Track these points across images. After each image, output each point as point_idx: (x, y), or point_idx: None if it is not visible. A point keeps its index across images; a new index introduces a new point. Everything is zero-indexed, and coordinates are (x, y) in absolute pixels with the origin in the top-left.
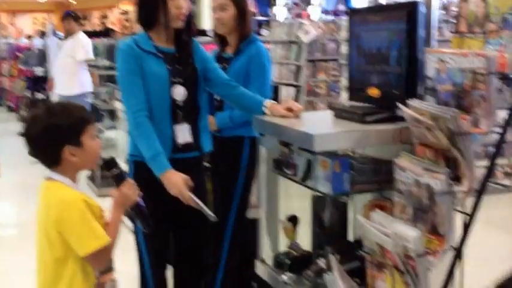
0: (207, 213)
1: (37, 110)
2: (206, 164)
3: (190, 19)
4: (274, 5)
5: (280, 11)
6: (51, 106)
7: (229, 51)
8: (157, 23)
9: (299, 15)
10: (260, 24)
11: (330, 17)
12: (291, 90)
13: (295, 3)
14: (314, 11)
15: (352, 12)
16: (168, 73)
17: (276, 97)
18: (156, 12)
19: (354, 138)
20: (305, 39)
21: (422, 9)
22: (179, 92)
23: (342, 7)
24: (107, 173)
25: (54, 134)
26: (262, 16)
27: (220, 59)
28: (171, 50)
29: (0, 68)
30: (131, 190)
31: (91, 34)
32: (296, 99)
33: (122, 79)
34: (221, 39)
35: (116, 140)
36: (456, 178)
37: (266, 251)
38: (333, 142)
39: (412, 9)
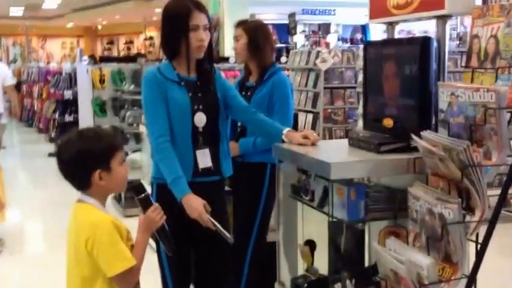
0: (225, 236)
1: (70, 134)
2: (228, 188)
3: (212, 49)
4: (295, 33)
5: (299, 39)
6: (83, 131)
7: (252, 80)
8: (180, 54)
9: (317, 43)
10: (280, 51)
11: (347, 45)
12: (309, 117)
13: (314, 32)
14: (332, 39)
15: (368, 45)
16: (189, 101)
17: (295, 124)
18: (179, 44)
19: (369, 167)
20: (323, 67)
21: (434, 44)
22: (200, 119)
23: (359, 35)
24: (135, 197)
25: (85, 159)
26: (283, 44)
27: (243, 87)
28: (193, 79)
29: (31, 90)
30: (157, 214)
31: (118, 59)
32: (314, 125)
33: (146, 106)
34: (246, 68)
35: (140, 162)
36: (469, 208)
37: (285, 274)
38: (349, 170)
39: (424, 43)
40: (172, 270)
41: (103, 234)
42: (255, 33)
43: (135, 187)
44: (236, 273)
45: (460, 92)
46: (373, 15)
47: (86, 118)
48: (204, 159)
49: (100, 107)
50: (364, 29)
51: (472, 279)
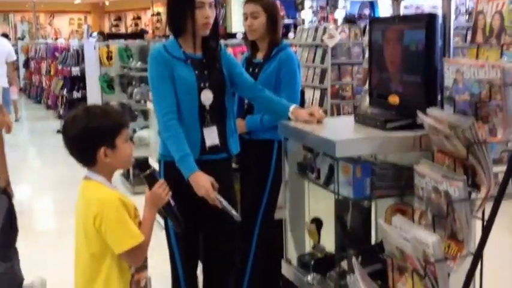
0: (231, 214)
1: (76, 110)
2: (235, 166)
3: (217, 26)
4: (302, 9)
5: (307, 15)
6: (90, 108)
7: (259, 57)
8: (186, 31)
9: (325, 19)
10: (287, 27)
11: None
12: (317, 93)
13: (321, 7)
14: (340, 15)
15: (373, 22)
16: (195, 78)
17: (302, 101)
18: (184, 22)
19: (375, 144)
20: (330, 43)
21: (439, 20)
22: (207, 97)
23: (367, 11)
24: (140, 174)
25: (91, 136)
26: (290, 19)
27: (250, 64)
28: (199, 56)
29: (39, 67)
30: (163, 190)
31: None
32: (321, 101)
33: (153, 84)
34: (252, 45)
35: (148, 139)
36: (475, 185)
37: (291, 252)
38: (354, 148)
39: (429, 20)
40: (180, 247)
41: (110, 211)
42: (272, 10)
43: (141, 164)
44: (244, 250)
45: (465, 68)
46: None
47: (94, 95)
48: (211, 136)
49: (108, 84)
50: (372, 4)
51: (477, 256)
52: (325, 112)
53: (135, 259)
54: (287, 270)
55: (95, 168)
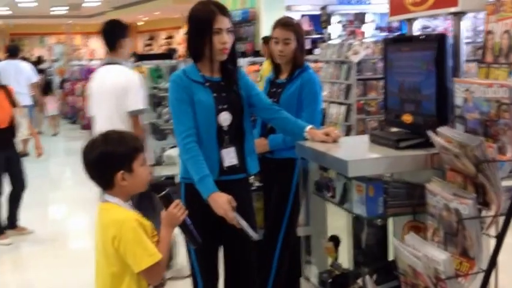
0: (248, 233)
1: (95, 137)
2: (259, 184)
3: (235, 50)
4: (326, 26)
5: (335, 29)
6: (107, 134)
7: (282, 78)
8: (204, 56)
9: (353, 33)
10: (315, 42)
11: (384, 34)
12: (342, 108)
13: (350, 21)
14: (368, 29)
15: (387, 42)
16: (214, 101)
17: (324, 119)
18: (203, 47)
19: (386, 163)
20: (354, 59)
21: (450, 41)
22: (225, 118)
23: (396, 23)
24: (156, 195)
25: (109, 160)
26: (318, 35)
27: (273, 84)
28: (217, 79)
29: (73, 88)
30: (178, 210)
31: (154, 57)
32: (347, 117)
33: (173, 107)
34: (275, 66)
35: (177, 157)
36: (485, 203)
37: (310, 269)
38: (366, 167)
39: (440, 40)
40: (200, 263)
41: (128, 231)
42: (302, 36)
43: (156, 186)
44: (266, 267)
45: (474, 87)
46: (393, 11)
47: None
48: (229, 157)
49: None
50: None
51: (488, 273)
52: (350, 128)
53: (154, 277)
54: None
55: (113, 191)
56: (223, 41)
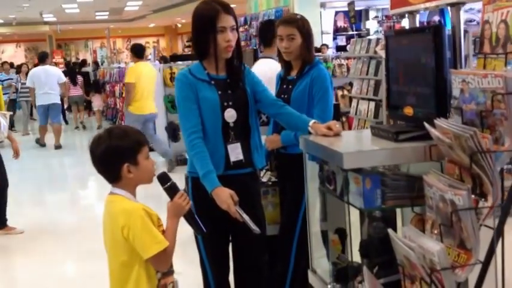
0: (250, 227)
1: (100, 133)
2: (274, 179)
3: (240, 47)
4: (354, 22)
5: (372, 25)
6: (111, 129)
7: (292, 74)
8: (209, 54)
9: (391, 28)
10: (351, 38)
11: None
12: (371, 104)
13: (387, 16)
14: (407, 24)
15: (387, 36)
16: (219, 98)
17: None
18: (207, 45)
19: (383, 155)
20: (383, 54)
21: (446, 31)
22: (230, 115)
23: (436, 18)
24: (162, 187)
25: (114, 154)
26: (355, 31)
27: (284, 81)
28: (223, 77)
29: (113, 90)
30: (183, 200)
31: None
32: (376, 113)
33: (179, 105)
34: (285, 63)
35: None
36: (482, 194)
37: (317, 262)
38: (361, 160)
39: (436, 32)
40: (209, 256)
41: (137, 219)
42: (307, 30)
43: (161, 178)
44: (283, 262)
45: (470, 78)
46: (394, 5)
47: (160, 114)
48: (235, 152)
49: (172, 104)
50: (442, 11)
51: (486, 265)
52: (381, 123)
53: (161, 264)
54: (313, 280)
55: (120, 184)
56: (228, 39)
